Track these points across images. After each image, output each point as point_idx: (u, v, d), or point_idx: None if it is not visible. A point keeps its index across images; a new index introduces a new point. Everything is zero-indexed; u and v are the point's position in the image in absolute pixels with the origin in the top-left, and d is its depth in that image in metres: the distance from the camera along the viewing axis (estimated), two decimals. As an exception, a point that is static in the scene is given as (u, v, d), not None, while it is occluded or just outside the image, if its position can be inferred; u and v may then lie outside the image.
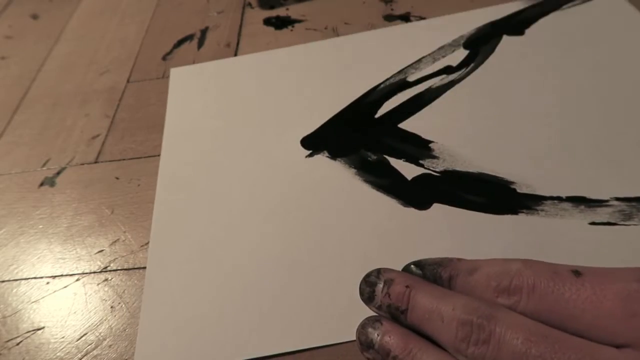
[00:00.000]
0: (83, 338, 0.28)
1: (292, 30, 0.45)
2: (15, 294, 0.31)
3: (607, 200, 0.27)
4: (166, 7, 0.52)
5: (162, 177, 0.35)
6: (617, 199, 0.27)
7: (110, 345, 0.27)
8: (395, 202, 0.30)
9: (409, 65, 0.37)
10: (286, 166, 0.33)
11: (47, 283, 0.31)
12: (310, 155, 0.33)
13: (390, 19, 0.43)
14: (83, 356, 0.27)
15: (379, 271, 0.22)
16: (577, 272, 0.19)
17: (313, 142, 0.34)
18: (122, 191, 0.35)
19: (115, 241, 0.32)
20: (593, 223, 0.26)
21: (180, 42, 0.47)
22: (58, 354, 0.28)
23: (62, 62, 0.49)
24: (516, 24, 0.38)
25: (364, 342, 0.21)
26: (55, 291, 0.31)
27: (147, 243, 0.31)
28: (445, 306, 0.20)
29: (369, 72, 0.38)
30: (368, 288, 0.22)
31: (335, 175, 0.32)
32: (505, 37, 0.37)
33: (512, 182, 0.29)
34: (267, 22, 0.46)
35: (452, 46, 0.38)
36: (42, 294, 0.31)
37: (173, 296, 0.28)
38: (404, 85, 0.36)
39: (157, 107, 0.41)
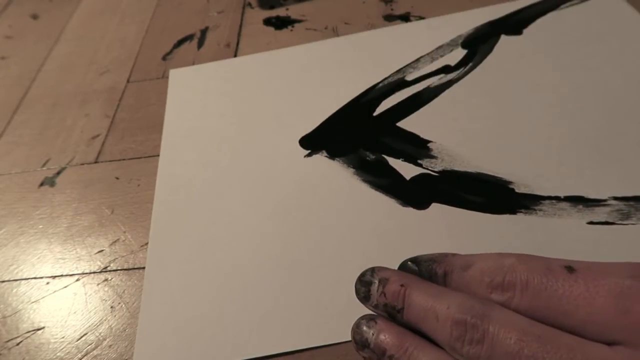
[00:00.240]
0: (83, 338, 0.28)
1: (292, 30, 0.45)
2: (15, 294, 0.31)
3: (605, 200, 0.27)
4: (166, 7, 0.53)
5: (161, 177, 0.35)
6: (615, 198, 0.27)
7: (110, 345, 0.27)
8: (394, 202, 0.30)
9: (407, 65, 0.37)
10: (285, 166, 0.33)
11: (47, 283, 0.31)
12: (308, 155, 0.33)
13: (390, 19, 0.43)
14: (83, 356, 0.27)
15: (373, 270, 0.22)
16: (570, 268, 0.19)
17: (311, 142, 0.34)
18: (122, 191, 0.35)
19: (115, 241, 0.32)
20: (591, 222, 0.26)
21: (180, 42, 0.47)
22: (58, 354, 0.28)
23: (62, 62, 0.49)
24: (514, 24, 0.38)
25: (359, 342, 0.21)
26: (55, 291, 0.31)
27: (147, 243, 0.31)
28: (440, 305, 0.20)
29: (368, 72, 0.38)
30: (363, 287, 0.22)
31: (333, 174, 0.32)
32: (503, 37, 0.37)
33: (511, 182, 0.29)
34: (267, 22, 0.46)
35: (450, 46, 0.38)
36: (42, 294, 0.31)
37: (172, 296, 0.28)
38: (402, 84, 0.36)
39: (157, 107, 0.41)
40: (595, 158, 0.29)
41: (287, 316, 0.26)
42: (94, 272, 0.31)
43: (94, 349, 0.27)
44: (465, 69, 0.36)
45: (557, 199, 0.28)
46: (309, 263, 0.28)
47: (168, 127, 0.38)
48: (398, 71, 0.37)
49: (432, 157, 0.31)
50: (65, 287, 0.31)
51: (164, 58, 0.46)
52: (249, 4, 0.49)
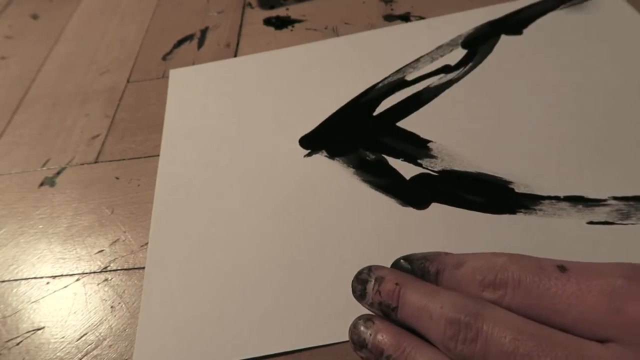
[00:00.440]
0: (83, 338, 0.28)
1: (292, 30, 0.45)
2: (15, 294, 0.31)
3: (605, 200, 0.27)
4: (166, 7, 0.53)
5: (161, 177, 0.35)
6: (615, 198, 0.27)
7: (110, 345, 0.27)
8: (394, 202, 0.30)
9: (407, 65, 0.37)
10: (284, 166, 0.33)
11: (47, 283, 0.31)
12: (308, 154, 0.33)
13: (390, 19, 0.43)
14: (83, 356, 0.27)
15: (370, 269, 0.22)
16: (562, 268, 0.19)
17: (311, 142, 0.34)
18: (122, 191, 0.35)
19: (115, 241, 0.32)
20: (591, 222, 0.26)
21: (180, 42, 0.47)
22: (58, 354, 0.28)
23: (62, 62, 0.49)
24: (514, 24, 0.38)
25: (356, 342, 0.21)
26: (55, 291, 0.31)
27: (147, 243, 0.31)
28: (434, 304, 0.20)
29: (368, 72, 0.38)
30: (360, 286, 0.22)
31: (333, 174, 0.32)
32: (503, 37, 0.37)
33: (510, 182, 0.29)
34: (267, 22, 0.46)
35: (450, 45, 0.38)
36: (42, 294, 0.31)
37: (172, 296, 0.28)
38: (402, 84, 0.36)
39: (157, 107, 0.41)
40: (595, 158, 0.29)
41: (287, 316, 0.26)
42: (94, 272, 0.31)
43: (94, 349, 0.27)
44: (465, 69, 0.36)
45: (557, 198, 0.28)
46: (309, 263, 0.28)
47: (168, 126, 0.38)
48: (398, 71, 0.37)
49: (432, 156, 0.31)
50: (65, 287, 0.31)
51: (164, 58, 0.46)
52: (249, 4, 0.49)
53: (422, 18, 0.42)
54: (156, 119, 0.40)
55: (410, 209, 0.29)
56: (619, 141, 0.29)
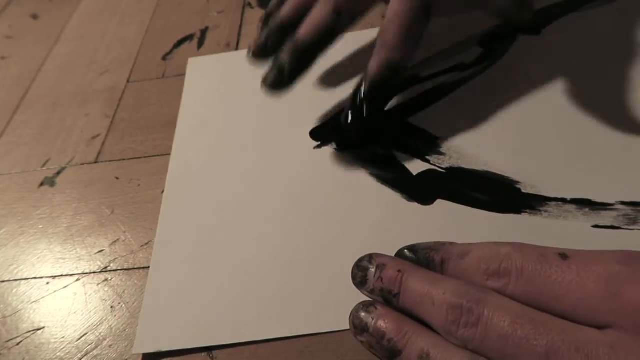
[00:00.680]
0: (83, 338, 0.28)
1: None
2: (15, 294, 0.31)
3: (612, 204, 0.27)
4: (166, 7, 0.52)
5: (174, 163, 0.35)
6: (623, 203, 0.27)
7: (110, 345, 0.27)
8: (399, 197, 0.30)
9: (421, 61, 0.37)
10: (294, 156, 0.33)
11: (47, 283, 0.31)
12: (318, 146, 0.34)
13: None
14: (83, 356, 0.27)
15: (370, 256, 0.23)
16: (564, 255, 0.19)
17: (321, 134, 0.34)
18: (122, 191, 0.35)
19: (115, 241, 0.32)
20: (596, 226, 0.26)
21: (180, 42, 0.47)
22: (58, 354, 0.28)
23: (62, 62, 0.49)
24: (533, 23, 0.38)
25: (358, 326, 0.22)
26: (55, 291, 0.30)
27: (147, 243, 0.31)
28: (436, 290, 0.20)
29: None
30: (360, 272, 0.23)
31: (341, 167, 0.32)
32: (521, 36, 0.37)
33: (518, 182, 0.29)
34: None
35: (466, 43, 0.38)
36: (42, 294, 0.31)
37: (176, 281, 0.29)
38: (415, 80, 0.36)
39: (157, 107, 0.41)
40: (606, 162, 0.28)
41: (291, 307, 0.26)
42: (94, 272, 0.31)
43: (94, 349, 0.27)
44: (480, 67, 0.35)
45: (564, 200, 0.27)
46: (313, 254, 0.28)
47: (183, 115, 0.39)
48: (412, 67, 0.37)
49: (441, 153, 0.31)
50: (65, 287, 0.31)
51: (164, 58, 0.46)
52: (249, 4, 0.49)
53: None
54: (156, 119, 0.40)
55: (416, 205, 0.29)
56: (630, 146, 0.29)
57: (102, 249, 0.32)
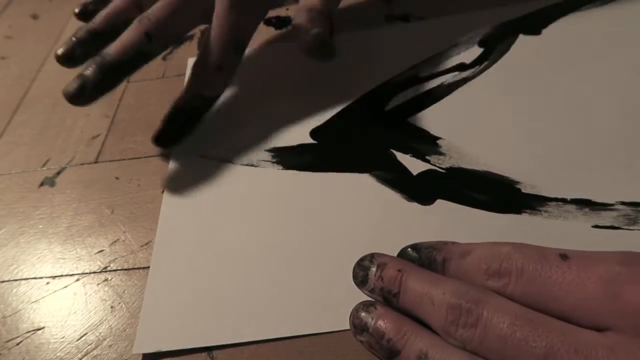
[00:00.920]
0: (83, 338, 0.28)
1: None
2: (15, 294, 0.31)
3: (612, 204, 0.27)
4: (166, 7, 0.52)
5: (174, 166, 0.35)
6: (623, 203, 0.27)
7: (110, 345, 0.27)
8: (399, 196, 0.30)
9: (421, 62, 0.37)
10: None
11: (47, 283, 0.31)
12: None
13: (390, 19, 0.43)
14: (83, 356, 0.27)
15: (372, 255, 0.23)
16: (564, 256, 0.19)
17: (322, 134, 0.34)
18: (122, 191, 0.35)
19: (115, 241, 0.32)
20: (596, 226, 0.26)
21: (180, 42, 0.47)
22: (58, 354, 0.28)
23: (62, 62, 0.49)
24: (533, 24, 0.38)
25: (357, 326, 0.22)
26: (55, 291, 0.30)
27: (147, 243, 0.31)
28: (436, 290, 0.20)
29: (381, 68, 0.38)
30: (361, 272, 0.23)
31: None
32: (521, 36, 0.37)
33: (518, 182, 0.29)
34: (267, 22, 0.46)
35: (466, 44, 0.38)
36: (42, 294, 0.31)
37: (176, 280, 0.29)
38: (415, 80, 0.36)
39: (157, 107, 0.41)
40: (606, 162, 0.28)
41: (290, 307, 0.26)
42: (94, 272, 0.31)
43: (94, 349, 0.27)
44: (480, 68, 0.35)
45: (564, 200, 0.27)
46: (313, 254, 0.28)
47: None
48: (412, 67, 0.37)
49: (441, 153, 0.31)
50: (65, 287, 0.31)
51: (164, 58, 0.46)
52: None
53: (422, 18, 0.42)
54: (156, 119, 0.39)
55: (416, 205, 0.29)
56: (631, 146, 0.29)
57: (102, 249, 0.32)
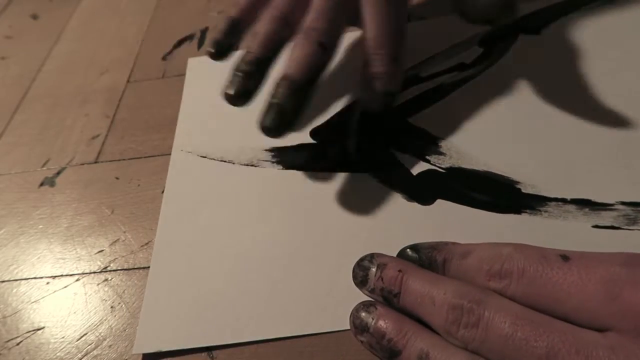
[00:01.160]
0: (83, 338, 0.28)
1: (292, 30, 0.45)
2: (15, 294, 0.31)
3: (612, 204, 0.27)
4: (166, 7, 0.52)
5: (174, 166, 0.35)
6: (623, 203, 0.27)
7: (110, 345, 0.27)
8: (399, 196, 0.30)
9: (422, 61, 0.37)
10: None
11: (47, 283, 0.31)
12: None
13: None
14: (83, 356, 0.27)
15: (372, 256, 0.23)
16: (565, 257, 0.19)
17: (321, 134, 0.34)
18: (122, 191, 0.35)
19: (115, 241, 0.32)
20: (596, 226, 0.26)
21: (180, 42, 0.47)
22: (58, 354, 0.28)
23: (62, 62, 0.49)
24: (533, 24, 0.38)
25: (358, 326, 0.22)
26: (55, 291, 0.30)
27: (147, 243, 0.31)
28: (437, 290, 0.20)
29: None
30: (361, 272, 0.23)
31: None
32: (521, 36, 0.37)
33: (518, 182, 0.29)
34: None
35: (466, 44, 0.38)
36: (42, 294, 0.31)
37: (176, 280, 0.29)
38: (415, 80, 0.36)
39: (157, 107, 0.41)
40: (606, 162, 0.28)
41: (290, 307, 0.26)
42: (94, 272, 0.31)
43: (94, 349, 0.27)
44: (480, 68, 0.35)
45: (564, 200, 0.27)
46: (313, 254, 0.28)
47: (184, 114, 0.39)
48: (412, 67, 0.37)
49: (441, 153, 0.31)
50: (65, 287, 0.31)
51: (164, 58, 0.46)
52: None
53: (422, 19, 0.42)
54: (156, 119, 0.40)
55: (416, 205, 0.29)
56: (630, 146, 0.29)
57: (102, 249, 0.32)
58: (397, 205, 0.29)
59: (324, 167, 0.32)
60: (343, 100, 0.36)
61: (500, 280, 0.20)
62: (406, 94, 0.35)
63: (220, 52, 0.34)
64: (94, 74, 0.46)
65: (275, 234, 0.30)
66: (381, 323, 0.21)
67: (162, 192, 0.34)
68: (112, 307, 0.29)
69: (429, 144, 0.32)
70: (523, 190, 0.28)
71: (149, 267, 0.30)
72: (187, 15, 0.50)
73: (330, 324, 0.25)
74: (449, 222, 0.28)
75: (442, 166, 0.31)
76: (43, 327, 0.29)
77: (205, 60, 0.43)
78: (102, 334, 0.28)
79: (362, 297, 0.23)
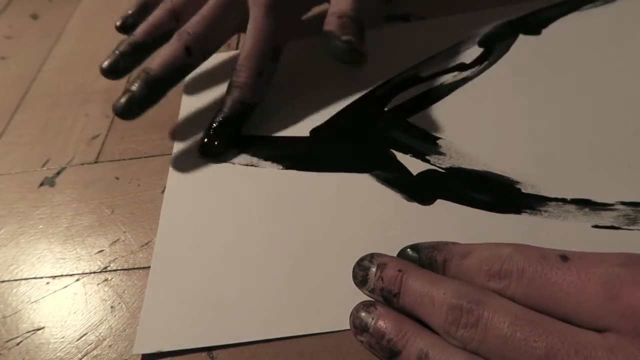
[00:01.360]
0: (83, 338, 0.28)
1: (292, 30, 0.45)
2: (15, 294, 0.31)
3: (612, 204, 0.27)
4: (166, 7, 0.52)
5: (174, 166, 0.35)
6: (623, 203, 0.27)
7: (110, 345, 0.27)
8: (399, 196, 0.30)
9: (422, 61, 0.37)
10: None
11: (47, 283, 0.31)
12: None
13: (390, 19, 0.43)
14: (83, 356, 0.27)
15: (372, 256, 0.23)
16: (564, 257, 0.19)
17: (322, 134, 0.34)
18: (122, 191, 0.35)
19: (115, 241, 0.32)
20: (596, 226, 0.26)
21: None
22: (58, 354, 0.28)
23: (62, 62, 0.49)
24: (533, 24, 0.38)
25: (358, 326, 0.22)
26: (55, 291, 0.30)
27: (147, 243, 0.31)
28: (437, 290, 0.21)
29: (382, 67, 0.37)
30: (361, 272, 0.23)
31: None
32: (521, 36, 0.37)
33: (518, 182, 0.29)
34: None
35: (466, 44, 0.38)
36: (42, 294, 0.31)
37: (177, 280, 0.29)
38: (415, 80, 0.36)
39: (157, 107, 0.40)
40: (606, 162, 0.28)
41: (290, 307, 0.26)
42: (94, 272, 0.31)
43: (94, 349, 0.27)
44: (480, 67, 0.35)
45: (564, 200, 0.27)
46: (313, 254, 0.28)
47: (184, 113, 0.39)
48: (412, 67, 0.37)
49: (441, 153, 0.31)
50: (65, 287, 0.31)
51: (164, 58, 0.45)
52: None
53: (422, 18, 0.42)
54: (156, 119, 0.40)
55: (416, 205, 0.29)
56: (631, 146, 0.29)
57: (102, 249, 0.32)
58: (397, 205, 0.29)
59: (324, 167, 0.32)
60: (343, 100, 0.36)
61: (499, 281, 0.20)
62: (406, 94, 0.35)
63: (124, 28, 0.39)
64: (94, 74, 0.46)
65: (275, 234, 0.30)
66: (381, 323, 0.21)
67: (162, 192, 0.34)
68: (112, 307, 0.29)
69: (429, 144, 0.32)
70: (523, 190, 0.28)
71: (149, 267, 0.30)
72: (187, 15, 0.50)
73: (330, 324, 0.25)
74: (449, 222, 0.28)
75: (442, 166, 0.31)
76: (43, 327, 0.29)
77: None
78: (102, 334, 0.28)
79: (362, 297, 0.23)
